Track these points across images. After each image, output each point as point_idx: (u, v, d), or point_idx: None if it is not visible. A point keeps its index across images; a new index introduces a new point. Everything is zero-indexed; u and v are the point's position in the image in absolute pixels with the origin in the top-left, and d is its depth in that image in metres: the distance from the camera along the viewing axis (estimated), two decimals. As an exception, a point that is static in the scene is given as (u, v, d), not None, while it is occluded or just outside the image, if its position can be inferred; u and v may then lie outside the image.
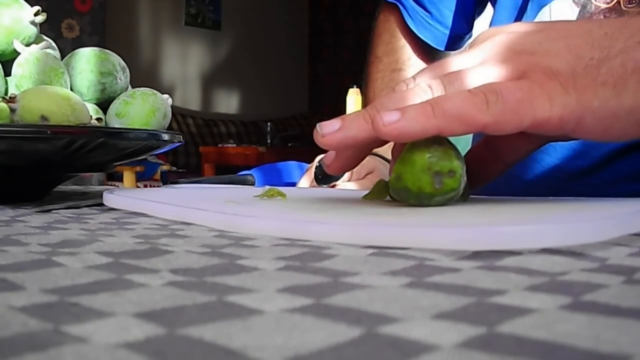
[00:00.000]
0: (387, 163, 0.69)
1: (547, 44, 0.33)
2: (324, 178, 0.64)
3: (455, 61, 0.36)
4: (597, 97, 0.31)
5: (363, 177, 0.69)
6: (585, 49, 0.32)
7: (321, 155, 0.65)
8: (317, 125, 0.33)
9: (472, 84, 0.33)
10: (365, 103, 0.86)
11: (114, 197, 0.44)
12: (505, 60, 0.33)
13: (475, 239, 0.23)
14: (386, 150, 0.60)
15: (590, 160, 0.55)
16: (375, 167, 0.69)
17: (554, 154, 0.57)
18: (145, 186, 3.03)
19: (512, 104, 0.30)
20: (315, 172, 0.65)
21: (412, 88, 0.35)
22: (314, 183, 0.66)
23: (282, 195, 0.42)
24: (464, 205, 0.34)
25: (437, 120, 0.30)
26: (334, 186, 0.66)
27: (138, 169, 3.21)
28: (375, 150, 0.65)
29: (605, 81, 0.31)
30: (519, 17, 0.62)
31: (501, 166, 0.39)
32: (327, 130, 0.33)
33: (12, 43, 0.56)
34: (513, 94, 0.31)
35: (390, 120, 0.30)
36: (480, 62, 0.35)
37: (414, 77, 0.37)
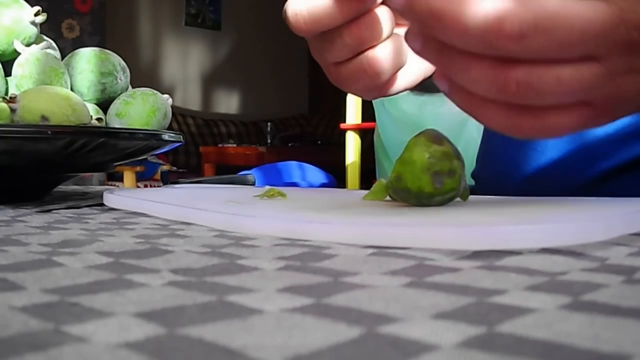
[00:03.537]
0: None
1: None
2: None
3: None
4: None
5: None
6: None
7: None
8: None
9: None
10: None
11: (114, 197, 0.44)
12: None
13: (475, 239, 0.23)
14: None
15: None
16: None
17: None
18: (146, 186, 3.03)
19: None
20: None
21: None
22: None
23: (282, 195, 0.42)
24: (464, 205, 0.34)
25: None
26: None
27: (138, 169, 3.21)
28: None
29: None
30: None
31: None
32: None
33: (13, 43, 0.56)
34: None
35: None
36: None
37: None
